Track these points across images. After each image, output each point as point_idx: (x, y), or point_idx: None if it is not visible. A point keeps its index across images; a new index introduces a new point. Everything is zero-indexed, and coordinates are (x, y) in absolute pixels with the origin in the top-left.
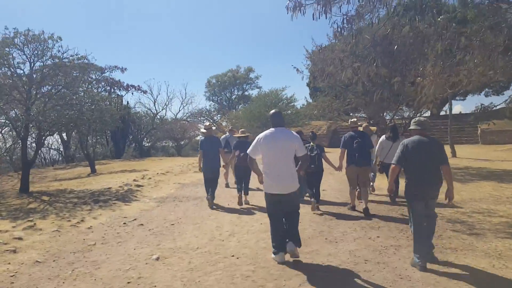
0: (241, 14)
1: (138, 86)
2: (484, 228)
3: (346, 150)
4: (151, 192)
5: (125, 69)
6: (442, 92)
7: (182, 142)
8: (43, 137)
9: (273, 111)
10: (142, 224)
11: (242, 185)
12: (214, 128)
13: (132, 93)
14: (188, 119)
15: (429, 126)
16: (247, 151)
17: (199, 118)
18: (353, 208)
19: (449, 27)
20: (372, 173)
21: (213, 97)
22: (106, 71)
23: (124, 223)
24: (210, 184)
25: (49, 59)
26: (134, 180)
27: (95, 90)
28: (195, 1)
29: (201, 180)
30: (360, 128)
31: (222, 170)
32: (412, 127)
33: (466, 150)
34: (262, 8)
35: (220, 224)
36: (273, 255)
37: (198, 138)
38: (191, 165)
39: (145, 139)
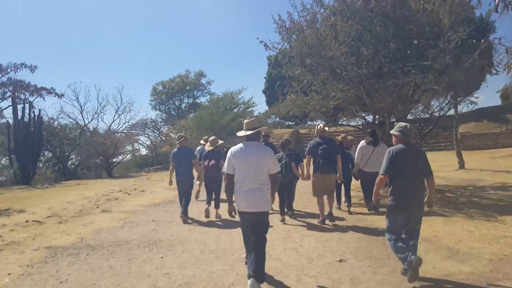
0: (190, 14)
1: (52, 88)
2: None
3: (312, 158)
4: None
5: (35, 67)
6: None
7: (115, 160)
8: None
9: (246, 121)
10: None
11: (212, 197)
12: (188, 138)
13: (44, 98)
14: (125, 131)
15: (415, 133)
16: (222, 170)
17: (143, 130)
18: (323, 221)
19: None
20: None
21: (160, 106)
22: (9, 70)
23: None
24: (183, 197)
25: None
26: None
27: None
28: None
29: (100, 239)
30: (339, 138)
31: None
32: (395, 133)
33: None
34: (214, 9)
35: None
36: (247, 266)
37: (144, 153)
38: (106, 196)
39: (72, 157)
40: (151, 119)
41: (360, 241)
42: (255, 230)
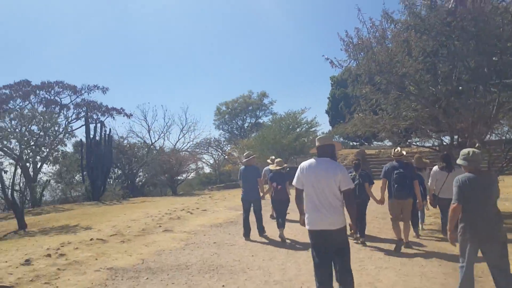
0: (252, 36)
1: (121, 108)
2: None
3: (387, 181)
4: None
5: (107, 88)
6: None
7: (179, 178)
8: None
9: (318, 137)
10: None
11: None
12: (254, 156)
13: (114, 118)
14: (189, 149)
15: (481, 160)
16: (292, 183)
17: (207, 149)
18: (399, 248)
19: None
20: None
21: (223, 126)
22: (83, 91)
23: None
24: (248, 215)
25: None
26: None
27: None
28: (193, 18)
29: (161, 261)
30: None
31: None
32: (460, 162)
33: None
34: (276, 30)
35: None
36: None
37: (208, 171)
38: (169, 215)
39: (140, 174)
40: (214, 138)
41: (447, 277)
42: (334, 251)
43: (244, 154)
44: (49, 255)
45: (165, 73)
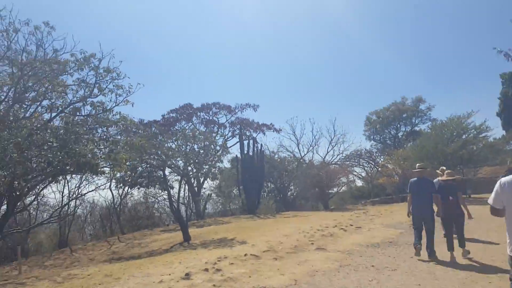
0: (401, 31)
1: (271, 124)
2: None
3: None
4: None
5: (258, 106)
6: None
7: (330, 191)
8: None
9: None
10: None
11: (452, 238)
12: (428, 169)
13: (265, 133)
14: (339, 162)
15: None
16: (488, 200)
17: (358, 161)
18: None
19: None
20: None
21: (375, 136)
22: (236, 110)
23: None
24: (420, 231)
25: None
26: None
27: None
28: (334, 27)
29: (314, 284)
30: None
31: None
32: None
33: None
34: (429, 22)
35: None
36: None
37: (360, 184)
38: (321, 232)
39: (291, 188)
40: (365, 149)
41: None
42: None
43: (417, 165)
44: (206, 270)
45: (312, 86)
